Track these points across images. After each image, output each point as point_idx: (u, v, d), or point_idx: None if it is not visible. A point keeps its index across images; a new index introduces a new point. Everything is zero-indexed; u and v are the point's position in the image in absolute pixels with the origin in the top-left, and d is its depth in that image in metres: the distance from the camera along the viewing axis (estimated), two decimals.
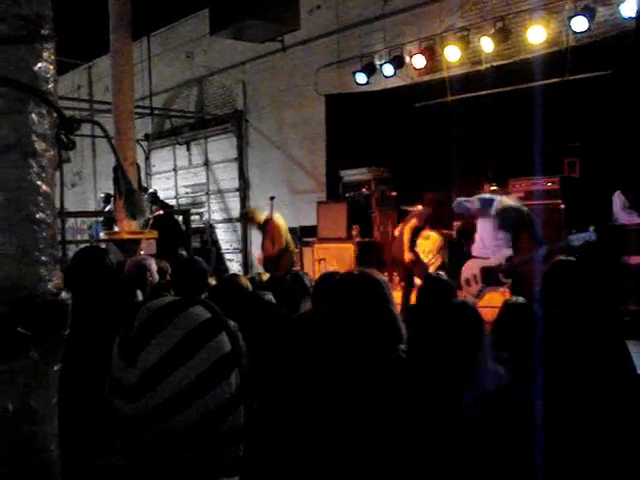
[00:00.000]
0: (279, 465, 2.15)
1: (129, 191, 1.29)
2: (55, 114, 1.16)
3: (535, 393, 2.79)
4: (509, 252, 6.60)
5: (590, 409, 2.94)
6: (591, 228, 5.98)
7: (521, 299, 3.93)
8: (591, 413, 2.92)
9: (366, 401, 2.16)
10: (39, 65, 1.12)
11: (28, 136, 1.09)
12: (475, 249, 7.04)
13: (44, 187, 1.12)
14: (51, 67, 1.16)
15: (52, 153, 1.16)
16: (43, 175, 1.12)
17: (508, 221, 6.52)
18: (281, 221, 9.76)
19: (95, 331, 2.50)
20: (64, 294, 1.14)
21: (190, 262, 4.88)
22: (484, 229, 6.84)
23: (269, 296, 4.21)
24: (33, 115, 1.10)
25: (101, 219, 15.54)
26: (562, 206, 8.40)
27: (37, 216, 1.10)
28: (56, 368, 1.15)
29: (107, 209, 15.91)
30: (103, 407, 1.15)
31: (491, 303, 6.43)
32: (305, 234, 11.91)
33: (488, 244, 6.79)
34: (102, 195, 16.02)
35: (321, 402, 2.20)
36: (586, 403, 2.97)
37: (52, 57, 1.17)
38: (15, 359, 1.05)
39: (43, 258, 1.10)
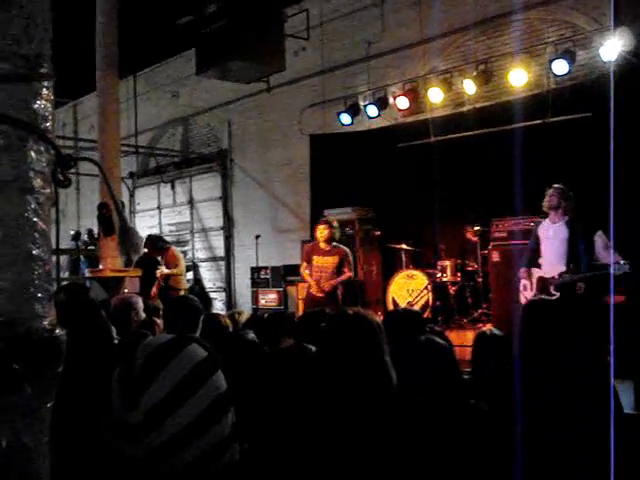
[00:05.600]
0: None
1: (125, 228, 1.30)
2: (53, 151, 1.18)
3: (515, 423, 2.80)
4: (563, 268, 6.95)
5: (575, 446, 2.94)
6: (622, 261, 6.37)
7: (495, 330, 3.96)
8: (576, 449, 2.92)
9: (356, 440, 2.14)
10: (38, 103, 1.13)
11: (26, 173, 1.10)
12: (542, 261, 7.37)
13: (41, 224, 1.12)
14: (49, 105, 1.17)
15: (49, 190, 1.16)
16: (40, 212, 1.12)
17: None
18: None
19: (80, 368, 2.48)
20: (59, 331, 1.14)
21: (183, 300, 4.80)
22: (548, 247, 7.26)
23: (252, 335, 4.18)
24: (32, 152, 1.11)
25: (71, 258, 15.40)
26: None
27: (34, 252, 1.10)
28: (49, 405, 1.15)
29: (83, 247, 15.81)
30: (99, 446, 1.14)
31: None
32: (289, 273, 11.91)
33: (551, 261, 7.17)
34: (72, 232, 15.84)
35: (311, 441, 2.18)
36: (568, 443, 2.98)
37: (51, 95, 1.18)
38: (9, 395, 1.04)
39: (39, 295, 1.10)
